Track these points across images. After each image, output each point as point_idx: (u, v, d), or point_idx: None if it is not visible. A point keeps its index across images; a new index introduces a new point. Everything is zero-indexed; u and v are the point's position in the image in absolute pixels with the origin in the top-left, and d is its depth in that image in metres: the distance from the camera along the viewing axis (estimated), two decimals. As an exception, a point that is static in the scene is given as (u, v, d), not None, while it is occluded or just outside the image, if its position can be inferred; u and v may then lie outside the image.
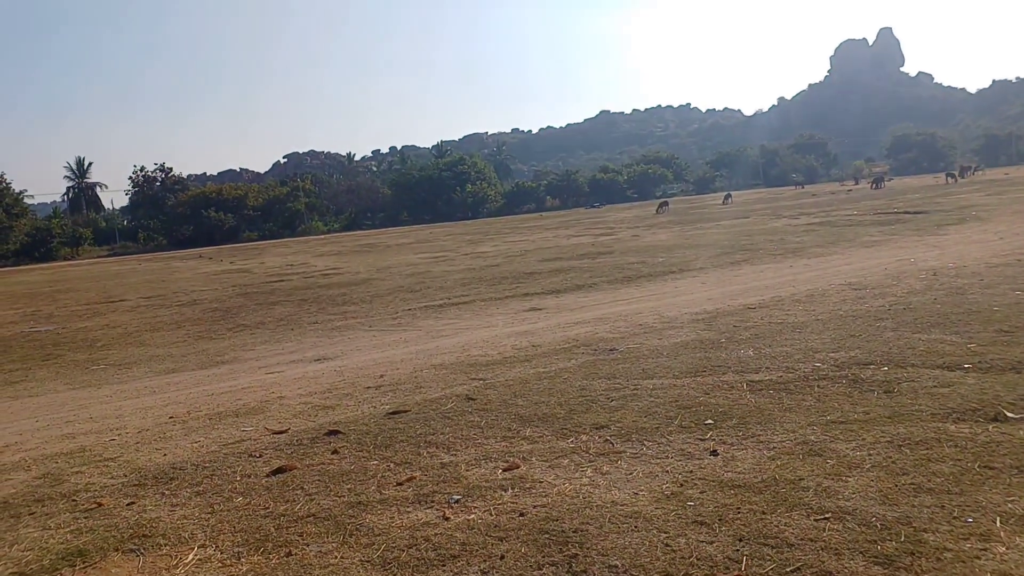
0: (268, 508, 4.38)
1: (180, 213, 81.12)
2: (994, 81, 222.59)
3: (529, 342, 9.52)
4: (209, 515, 4.35)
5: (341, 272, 25.46)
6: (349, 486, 4.65)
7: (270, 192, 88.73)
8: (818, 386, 5.92)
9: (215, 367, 10.19)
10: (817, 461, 4.32)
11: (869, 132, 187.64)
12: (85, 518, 4.47)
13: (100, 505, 4.67)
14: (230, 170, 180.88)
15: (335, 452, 5.39)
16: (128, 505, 4.64)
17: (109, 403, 8.45)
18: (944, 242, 17.61)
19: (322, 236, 74.39)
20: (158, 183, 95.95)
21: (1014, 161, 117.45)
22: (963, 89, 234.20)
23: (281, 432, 6.16)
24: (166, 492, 4.88)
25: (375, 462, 5.08)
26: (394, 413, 6.37)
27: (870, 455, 4.32)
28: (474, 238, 40.87)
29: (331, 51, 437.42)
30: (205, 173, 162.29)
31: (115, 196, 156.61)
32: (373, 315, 14.12)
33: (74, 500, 4.83)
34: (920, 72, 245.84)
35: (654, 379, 6.66)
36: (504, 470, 4.68)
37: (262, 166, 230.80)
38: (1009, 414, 4.77)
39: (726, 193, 61.38)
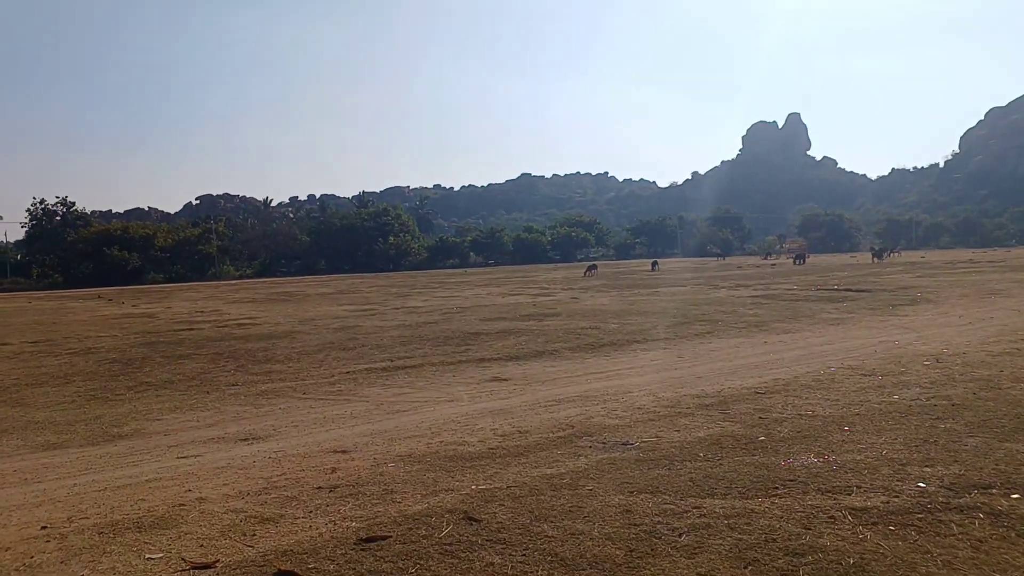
0: None
1: (80, 250, 76.30)
2: (893, 169, 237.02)
3: (512, 426, 7.80)
4: None
5: (258, 322, 23.14)
6: None
7: (180, 233, 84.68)
8: (955, 523, 4.41)
9: (110, 443, 8.05)
10: None
11: (776, 209, 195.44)
12: None
13: None
14: (138, 208, 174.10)
15: (296, 618, 3.54)
16: None
17: (-42, 495, 6.28)
18: (912, 324, 16.81)
19: (234, 282, 70.97)
20: (58, 217, 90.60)
21: (914, 245, 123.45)
22: (864, 175, 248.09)
23: (205, 567, 4.26)
24: None
25: (365, 644, 3.26)
26: (369, 541, 4.55)
27: None
28: (400, 291, 38.96)
29: (250, 93, 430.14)
30: (111, 210, 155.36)
31: (10, 228, 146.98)
32: (305, 377, 12.12)
33: None
34: (825, 156, 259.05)
35: (715, 498, 5.04)
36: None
37: (173, 206, 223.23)
38: None
39: (653, 260, 61.30)
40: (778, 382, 9.86)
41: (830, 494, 5.03)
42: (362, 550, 4.40)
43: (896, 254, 71.63)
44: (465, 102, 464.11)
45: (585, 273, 50.38)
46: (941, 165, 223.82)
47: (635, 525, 4.58)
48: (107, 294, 50.02)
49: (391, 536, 4.60)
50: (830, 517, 4.59)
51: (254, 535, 4.81)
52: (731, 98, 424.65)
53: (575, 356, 13.46)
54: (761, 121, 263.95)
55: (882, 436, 6.55)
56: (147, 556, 4.50)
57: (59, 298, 47.53)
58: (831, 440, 6.49)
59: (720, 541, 4.27)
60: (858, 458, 5.88)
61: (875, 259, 56.94)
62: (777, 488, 5.21)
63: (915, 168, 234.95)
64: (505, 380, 11.08)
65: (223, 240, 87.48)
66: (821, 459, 5.89)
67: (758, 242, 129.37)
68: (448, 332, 17.90)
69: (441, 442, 7.23)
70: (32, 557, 4.57)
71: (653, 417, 7.95)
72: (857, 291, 26.54)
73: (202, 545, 4.64)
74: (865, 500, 4.87)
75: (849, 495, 4.99)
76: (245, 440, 7.82)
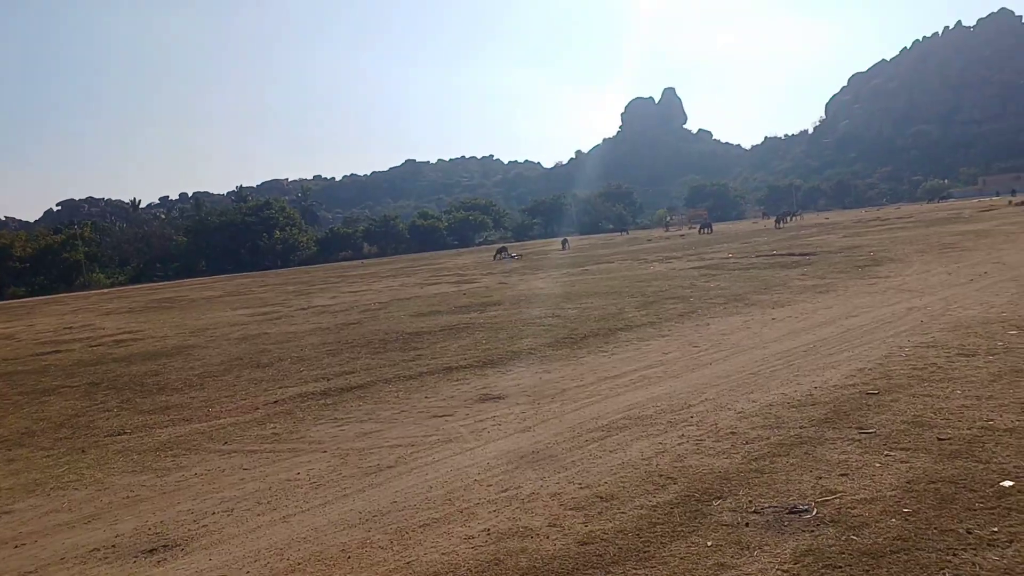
0: None
1: (-77, 266, 67.81)
2: (766, 138, 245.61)
3: (578, 487, 5.07)
4: None
5: (140, 337, 19.40)
6: None
7: (41, 241, 76.81)
8: None
9: (-84, 577, 4.83)
10: None
11: (658, 183, 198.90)
12: None
13: None
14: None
15: None
16: None
17: None
18: (908, 285, 15.02)
19: (106, 290, 64.77)
20: None
21: (795, 209, 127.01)
22: (738, 145, 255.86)
23: None
24: None
25: None
26: None
27: None
28: (299, 289, 35.25)
29: (107, 90, 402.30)
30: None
31: None
32: (219, 413, 8.97)
33: None
34: (700, 129, 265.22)
35: None
36: None
37: (32, 215, 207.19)
38: None
39: (563, 239, 59.15)
40: (867, 374, 7.53)
41: None
42: None
43: (798, 217, 72.39)
44: (341, 89, 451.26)
45: (496, 256, 47.68)
46: (810, 132, 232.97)
47: None
48: (-44, 315, 43.81)
49: None
50: None
51: None
52: (609, 78, 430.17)
53: (562, 355, 10.80)
54: (639, 97, 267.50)
55: None
56: None
57: None
58: None
59: None
60: None
61: (777, 224, 56.68)
62: None
63: (786, 136, 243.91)
64: (500, 399, 8.31)
65: (90, 246, 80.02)
66: None
67: (649, 215, 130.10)
68: (381, 334, 14.90)
69: (488, 533, 4.43)
70: None
71: (772, 450, 5.41)
72: (801, 255, 25.01)
73: None
74: None
75: None
76: (151, 552, 4.77)
